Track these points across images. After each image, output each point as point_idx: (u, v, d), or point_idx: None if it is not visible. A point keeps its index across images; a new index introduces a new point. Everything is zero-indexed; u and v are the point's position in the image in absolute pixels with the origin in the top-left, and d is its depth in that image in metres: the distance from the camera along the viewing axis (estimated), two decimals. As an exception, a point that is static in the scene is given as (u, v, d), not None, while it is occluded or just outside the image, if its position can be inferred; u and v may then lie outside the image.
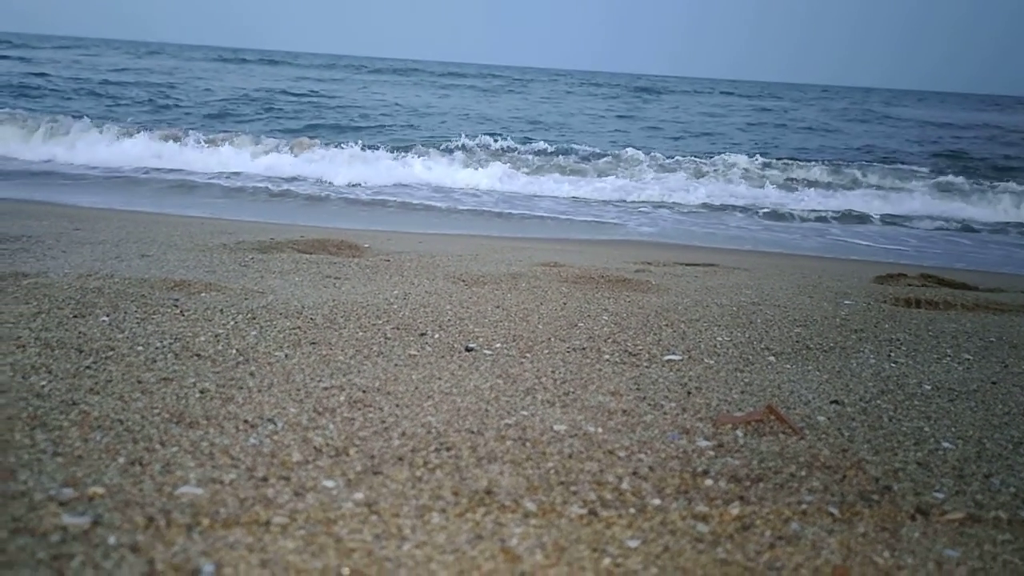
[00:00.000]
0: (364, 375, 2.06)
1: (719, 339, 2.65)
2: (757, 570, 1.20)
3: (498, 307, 2.94)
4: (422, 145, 12.97)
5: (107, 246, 3.83)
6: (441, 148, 12.87)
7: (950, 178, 12.44)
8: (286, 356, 2.18)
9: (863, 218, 9.52)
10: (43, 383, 1.81)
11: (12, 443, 1.48)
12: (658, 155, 13.33)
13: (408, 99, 24.82)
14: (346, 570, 1.13)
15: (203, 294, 2.85)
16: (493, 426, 1.73)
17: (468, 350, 2.37)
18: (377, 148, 12.28)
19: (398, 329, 2.55)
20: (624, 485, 1.47)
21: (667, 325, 2.80)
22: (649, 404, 1.95)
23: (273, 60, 47.86)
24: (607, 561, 1.20)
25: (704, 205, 9.82)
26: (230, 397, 1.82)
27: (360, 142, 12.61)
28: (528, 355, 2.36)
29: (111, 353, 2.08)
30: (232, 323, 2.46)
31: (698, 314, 2.99)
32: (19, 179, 8.74)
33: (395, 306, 2.84)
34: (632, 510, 1.37)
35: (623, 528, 1.31)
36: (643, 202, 9.83)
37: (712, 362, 2.39)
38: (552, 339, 2.55)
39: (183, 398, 1.79)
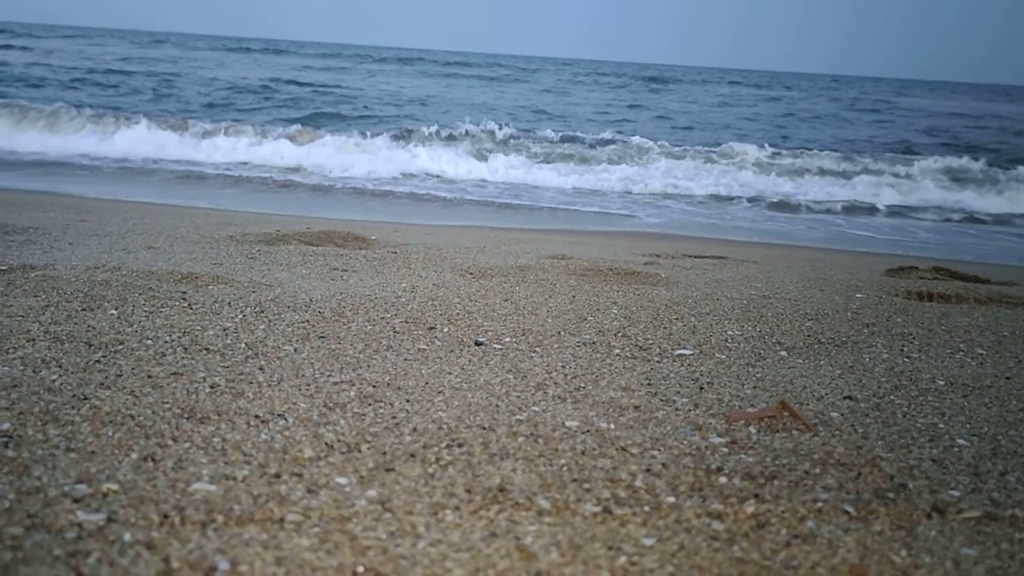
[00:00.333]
0: (374, 370, 2.05)
1: (730, 333, 2.64)
2: (774, 569, 1.19)
3: (507, 300, 2.93)
4: (428, 134, 12.94)
5: (114, 238, 3.83)
6: (446, 138, 12.84)
7: (962, 167, 12.38)
8: (295, 350, 2.17)
9: (873, 209, 9.48)
10: (54, 377, 1.81)
11: (25, 438, 1.48)
12: (666, 144, 13.28)
13: (413, 88, 24.77)
14: (361, 568, 1.13)
15: (211, 287, 2.84)
16: (504, 422, 1.73)
17: (478, 344, 2.36)
18: (381, 137, 12.26)
19: (407, 323, 2.54)
20: (638, 482, 1.46)
21: (677, 319, 2.79)
22: (661, 400, 1.94)
23: (278, 49, 47.79)
24: (623, 559, 1.19)
25: (712, 196, 9.79)
26: (240, 392, 1.81)
27: (367, 132, 12.60)
28: (538, 349, 2.35)
29: (120, 347, 2.07)
30: (240, 316, 2.46)
31: (708, 308, 2.97)
32: (24, 169, 8.75)
33: (403, 299, 2.84)
34: (647, 508, 1.36)
35: (638, 526, 1.30)
36: (650, 192, 9.80)
37: (724, 357, 2.38)
38: (562, 333, 2.54)
39: (193, 393, 1.79)
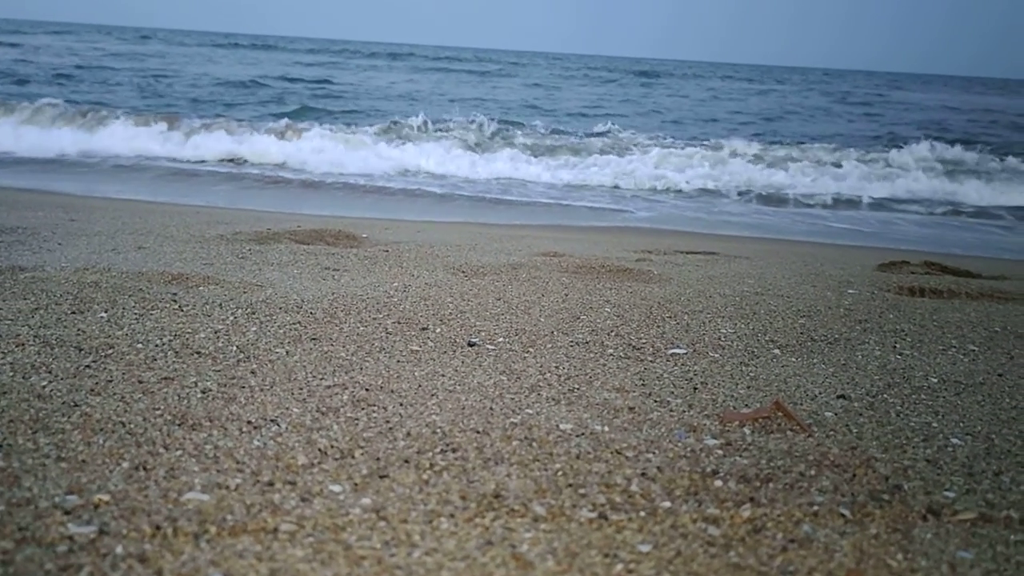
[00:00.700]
0: (366, 372, 2.04)
1: (723, 331, 2.64)
2: (770, 574, 1.19)
3: (499, 299, 2.92)
4: (417, 129, 12.89)
5: (103, 237, 3.80)
6: (436, 132, 12.80)
7: (954, 158, 12.42)
8: (287, 353, 2.16)
9: (863, 202, 9.50)
10: (44, 383, 1.79)
11: (15, 447, 1.46)
12: (657, 137, 13.26)
13: (403, 83, 24.68)
14: (356, 579, 1.12)
15: (201, 288, 2.82)
16: (499, 425, 1.72)
17: (471, 345, 2.35)
18: (370, 132, 12.21)
19: (399, 323, 2.53)
20: (633, 487, 1.45)
21: (670, 317, 2.78)
22: (655, 401, 1.94)
23: (267, 45, 47.53)
24: (619, 567, 1.19)
25: (703, 189, 9.79)
26: (232, 397, 1.80)
27: (356, 127, 12.54)
28: (531, 350, 2.34)
29: (111, 351, 2.06)
30: (231, 318, 2.44)
31: (701, 305, 2.97)
32: (10, 167, 8.67)
33: (395, 299, 2.82)
34: (642, 513, 1.36)
35: (634, 532, 1.30)
36: (641, 187, 9.80)
37: (717, 356, 2.38)
38: (555, 333, 2.53)
39: (185, 398, 1.77)
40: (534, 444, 1.63)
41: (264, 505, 1.31)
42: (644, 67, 50.64)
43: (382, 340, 2.34)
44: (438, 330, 2.48)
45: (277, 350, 2.18)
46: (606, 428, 1.73)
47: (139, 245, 3.65)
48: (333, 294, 2.83)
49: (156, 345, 2.14)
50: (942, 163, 12.20)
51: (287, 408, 1.75)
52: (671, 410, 1.87)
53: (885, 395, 2.07)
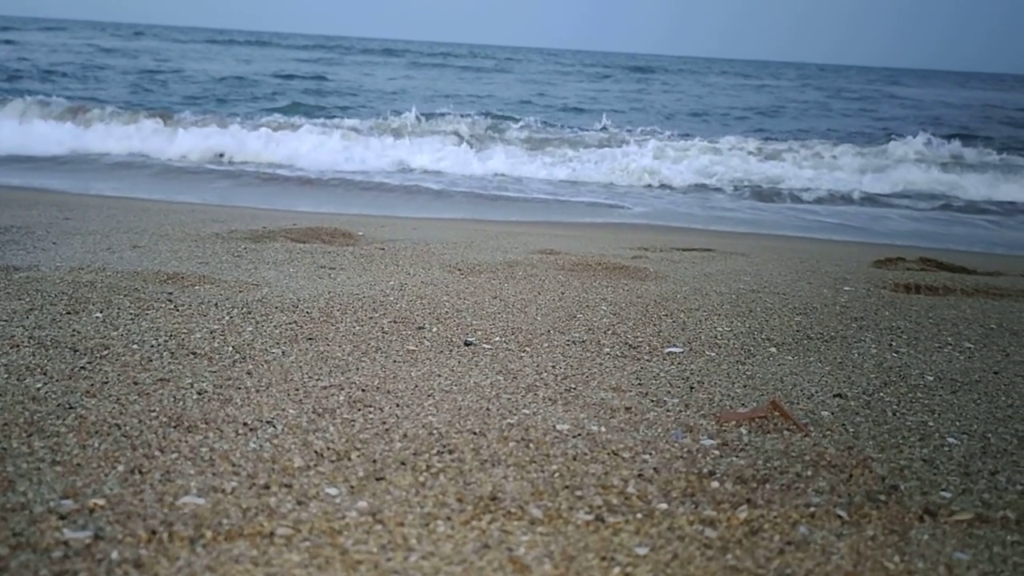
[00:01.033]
0: (363, 373, 2.04)
1: (719, 329, 2.64)
2: (767, 577, 1.18)
3: (495, 298, 2.92)
4: (413, 125, 12.87)
5: (98, 237, 3.78)
6: (431, 128, 12.77)
7: (952, 154, 12.44)
8: (283, 353, 2.15)
9: (859, 197, 9.50)
10: (39, 385, 1.78)
11: (10, 451, 1.46)
12: (654, 132, 13.26)
13: (398, 79, 24.63)
14: (353, 584, 1.11)
15: (197, 287, 2.81)
16: (495, 426, 1.72)
17: (467, 344, 2.35)
18: (365, 128, 12.18)
19: (395, 323, 2.52)
20: (630, 488, 1.45)
21: (667, 315, 2.78)
22: (652, 400, 1.94)
23: (262, 41, 47.38)
24: (616, 570, 1.19)
25: (698, 185, 9.79)
26: (228, 398, 1.79)
27: (351, 123, 12.51)
28: (528, 349, 2.34)
29: (106, 352, 2.05)
30: (227, 318, 2.43)
31: (697, 303, 2.97)
32: (4, 165, 8.64)
33: (391, 298, 2.82)
34: (639, 515, 1.36)
35: (631, 535, 1.30)
36: (636, 183, 9.79)
37: (713, 354, 2.38)
38: (551, 331, 2.53)
39: (180, 400, 1.77)
40: (531, 445, 1.62)
41: (260, 509, 1.31)
42: (640, 63, 50.60)
43: (378, 340, 2.34)
44: (434, 329, 2.48)
45: (273, 350, 2.17)
46: (603, 428, 1.73)
47: (134, 244, 3.63)
48: (329, 293, 2.83)
49: (152, 346, 2.13)
50: (938, 158, 12.21)
51: (283, 409, 1.75)
52: (668, 410, 1.87)
53: (881, 394, 2.07)
